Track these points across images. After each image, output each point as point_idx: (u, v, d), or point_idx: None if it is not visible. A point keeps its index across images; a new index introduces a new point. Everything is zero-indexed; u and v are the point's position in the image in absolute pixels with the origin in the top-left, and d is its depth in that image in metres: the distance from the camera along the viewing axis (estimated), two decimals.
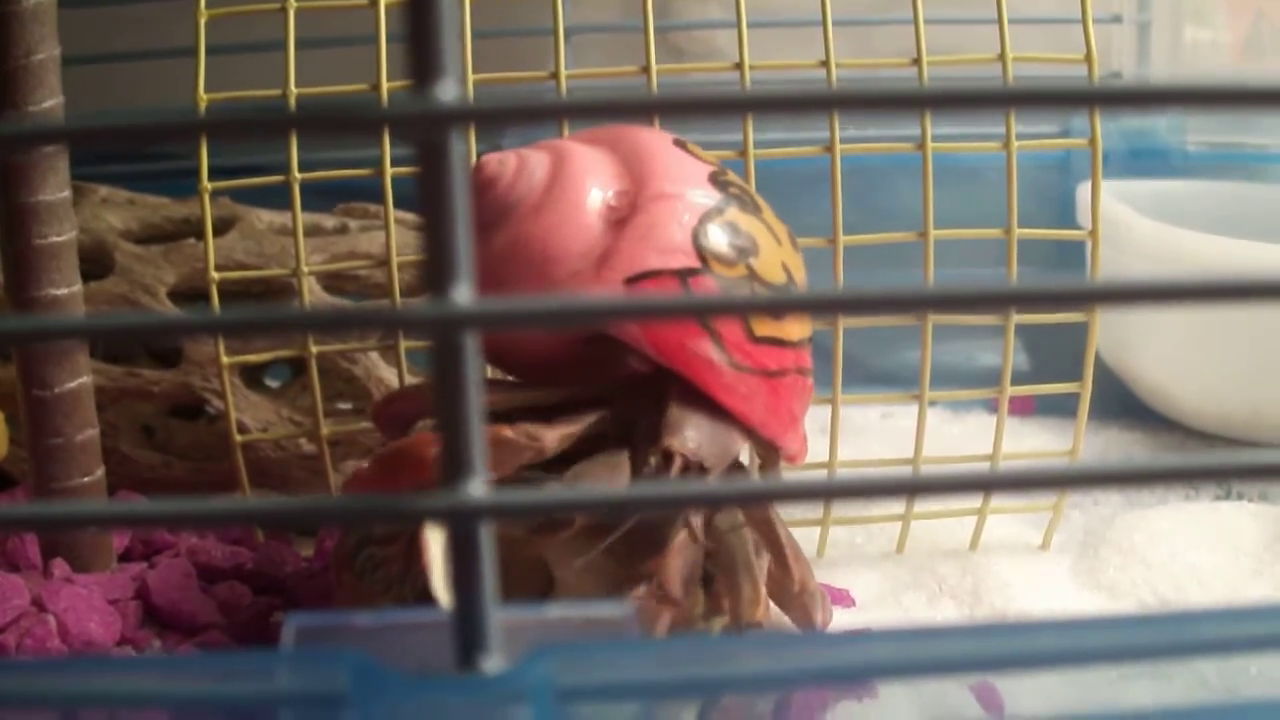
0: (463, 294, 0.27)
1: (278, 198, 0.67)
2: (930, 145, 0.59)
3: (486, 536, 0.29)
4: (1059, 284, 0.28)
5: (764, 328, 0.48)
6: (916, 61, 0.59)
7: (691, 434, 0.46)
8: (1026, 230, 0.61)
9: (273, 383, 0.71)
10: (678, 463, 0.45)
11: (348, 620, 0.30)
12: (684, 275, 0.47)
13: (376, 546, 0.46)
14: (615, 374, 0.49)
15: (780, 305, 0.30)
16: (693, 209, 0.48)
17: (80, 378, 0.55)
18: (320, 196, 0.67)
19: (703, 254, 0.48)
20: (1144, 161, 0.89)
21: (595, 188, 0.49)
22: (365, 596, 0.46)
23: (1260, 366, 0.76)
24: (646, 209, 0.48)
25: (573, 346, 0.49)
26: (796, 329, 0.50)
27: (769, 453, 0.52)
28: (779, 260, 0.50)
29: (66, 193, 0.54)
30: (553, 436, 0.45)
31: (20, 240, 0.53)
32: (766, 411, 0.49)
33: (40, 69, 0.53)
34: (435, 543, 0.39)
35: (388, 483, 0.45)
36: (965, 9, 0.80)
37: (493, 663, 0.29)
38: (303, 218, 0.60)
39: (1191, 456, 0.34)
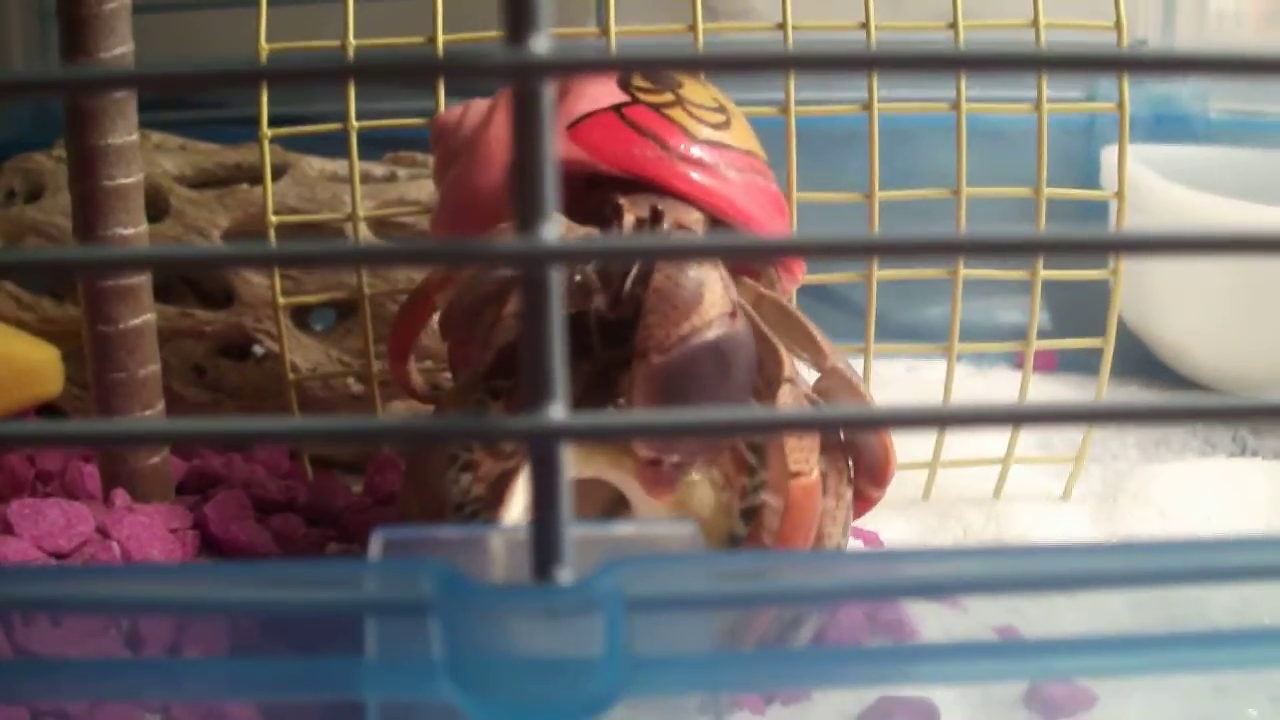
0: (551, 231, 0.29)
1: (326, 146, 0.69)
2: (965, 106, 0.61)
3: (565, 457, 0.31)
4: (1087, 235, 0.30)
5: (705, 132, 0.54)
6: (953, 25, 0.61)
7: (643, 204, 0.51)
8: (1055, 190, 0.63)
9: (318, 326, 0.73)
10: (628, 218, 0.50)
11: (432, 534, 0.33)
12: (618, 109, 0.54)
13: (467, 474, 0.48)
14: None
15: (823, 248, 0.33)
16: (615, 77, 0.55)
17: (144, 314, 0.57)
18: (369, 145, 0.69)
19: (630, 89, 0.54)
20: (1167, 127, 0.90)
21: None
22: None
23: (1275, 327, 0.78)
24: (573, 85, 0.55)
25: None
26: (738, 138, 0.55)
27: (766, 260, 0.55)
28: (709, 94, 0.56)
29: (134, 136, 0.56)
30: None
31: (90, 181, 0.55)
32: (726, 199, 0.53)
33: (112, 16, 0.55)
34: (519, 495, 0.42)
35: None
36: None
37: (567, 574, 0.31)
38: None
39: (1205, 398, 0.36)
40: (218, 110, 0.90)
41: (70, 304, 0.70)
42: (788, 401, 0.48)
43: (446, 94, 0.63)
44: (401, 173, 0.72)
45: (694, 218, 0.52)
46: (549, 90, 0.29)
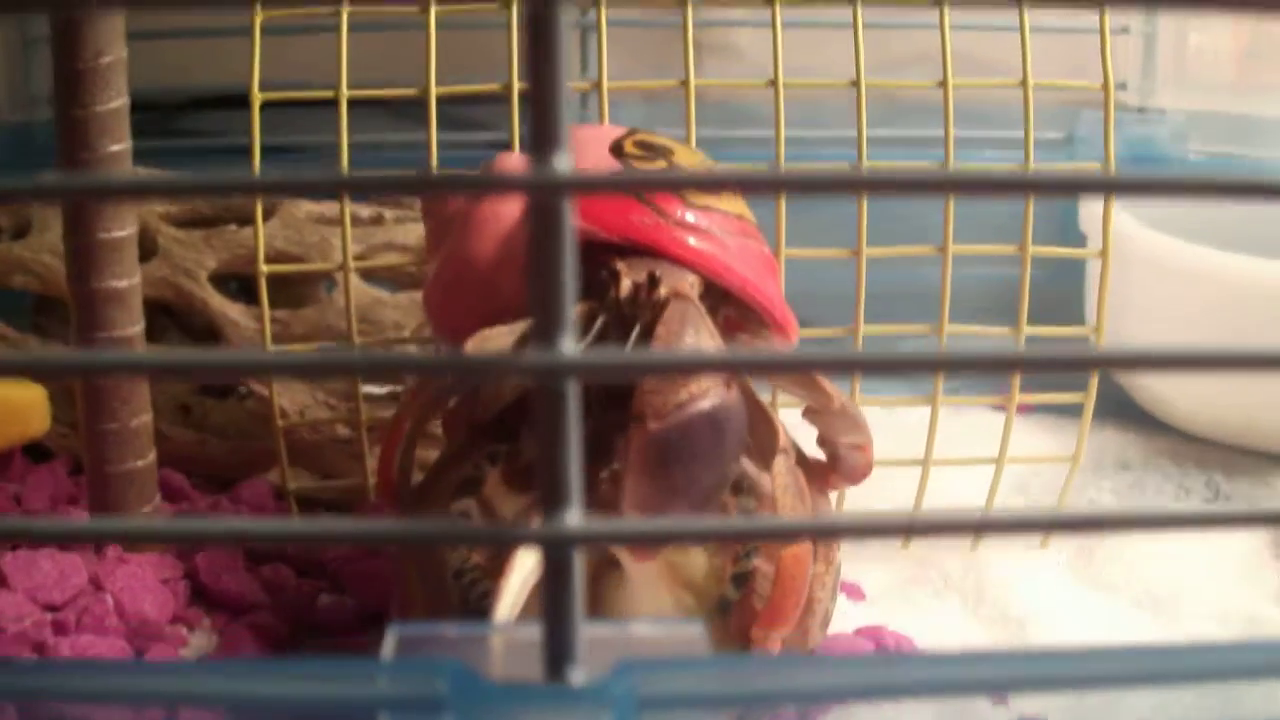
0: (569, 345, 0.30)
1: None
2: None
3: (579, 562, 0.31)
4: (1067, 354, 0.31)
5: (698, 198, 0.54)
6: (942, 84, 0.62)
7: (640, 269, 0.51)
8: (1040, 249, 0.64)
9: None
10: (625, 283, 0.50)
11: (444, 631, 0.33)
12: None
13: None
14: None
15: (823, 364, 0.33)
16: (608, 137, 0.55)
17: None
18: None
19: (623, 157, 0.55)
20: (1145, 168, 0.92)
21: (519, 159, 0.56)
22: (433, 587, 0.49)
23: (1256, 377, 0.79)
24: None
25: None
26: (730, 204, 0.55)
27: (760, 322, 0.56)
28: (699, 160, 0.57)
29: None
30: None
31: (84, 235, 0.56)
32: (721, 264, 0.54)
33: (108, 71, 0.55)
34: (519, 570, 0.42)
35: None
36: (980, 16, 0.83)
37: (579, 675, 0.32)
38: (338, 207, 0.63)
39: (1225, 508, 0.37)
40: (208, 139, 0.90)
41: (56, 343, 0.70)
42: (782, 473, 0.49)
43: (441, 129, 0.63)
44: (388, 214, 0.72)
45: (690, 281, 0.53)
46: (570, 207, 0.29)
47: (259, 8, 0.61)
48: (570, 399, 0.30)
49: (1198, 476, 0.79)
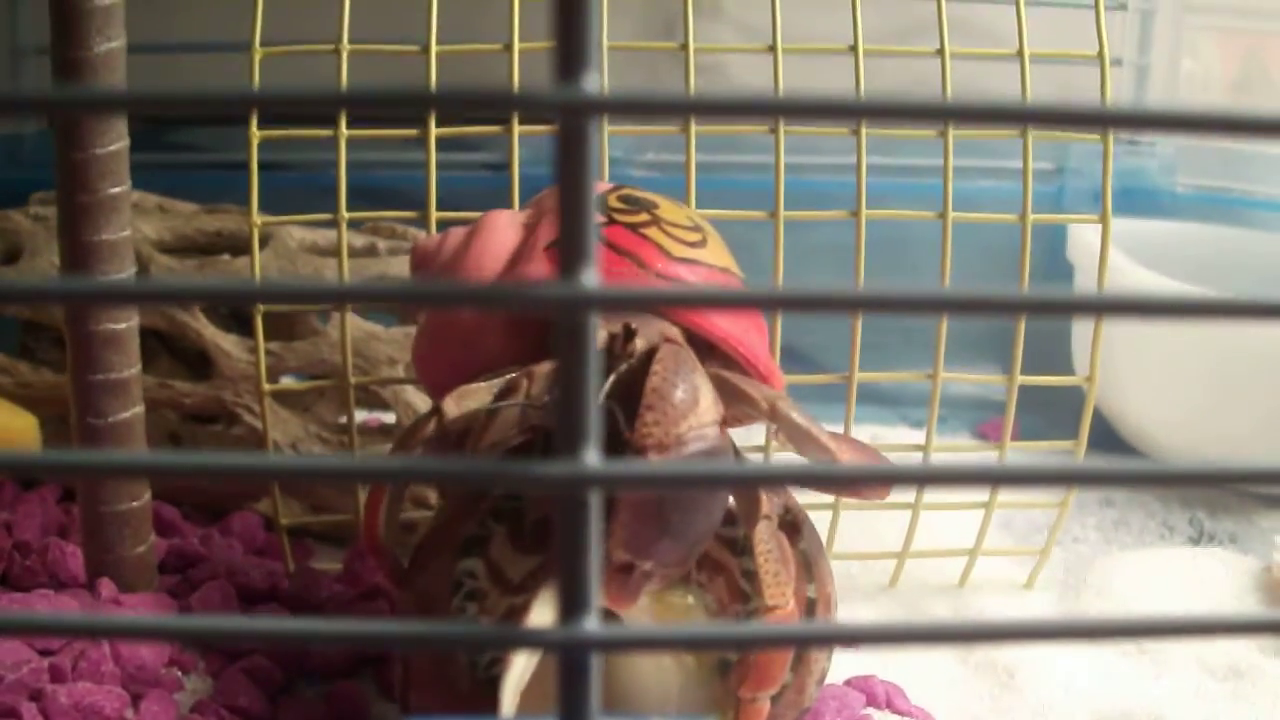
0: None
1: (306, 199, 0.69)
2: (950, 215, 0.62)
3: (596, 664, 0.31)
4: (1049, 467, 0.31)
5: (681, 250, 0.54)
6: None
7: (617, 320, 0.51)
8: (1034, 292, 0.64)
9: (287, 379, 0.73)
10: (601, 334, 0.50)
11: None
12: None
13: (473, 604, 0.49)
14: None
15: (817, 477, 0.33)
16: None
17: (134, 408, 0.57)
18: (351, 196, 0.69)
19: (606, 211, 0.55)
20: (1134, 200, 0.92)
21: (507, 216, 0.56)
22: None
23: (1238, 416, 0.80)
24: (549, 213, 0.55)
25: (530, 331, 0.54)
26: (714, 256, 0.56)
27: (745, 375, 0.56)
28: (684, 214, 0.57)
29: (126, 187, 0.56)
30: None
31: (78, 235, 0.55)
32: (704, 318, 0.54)
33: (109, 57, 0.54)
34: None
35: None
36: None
37: None
38: (332, 235, 0.63)
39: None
40: (194, 155, 0.90)
41: (46, 370, 0.70)
42: (764, 539, 0.49)
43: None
44: (381, 245, 0.72)
45: (673, 332, 0.53)
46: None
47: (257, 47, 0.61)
48: (592, 509, 0.30)
49: (1181, 514, 0.80)
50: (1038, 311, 0.30)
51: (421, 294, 0.32)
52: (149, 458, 0.51)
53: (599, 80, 0.28)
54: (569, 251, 0.29)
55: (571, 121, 0.29)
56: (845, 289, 0.31)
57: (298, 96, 0.28)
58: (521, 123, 0.63)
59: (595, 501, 0.30)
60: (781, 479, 0.31)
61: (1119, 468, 0.31)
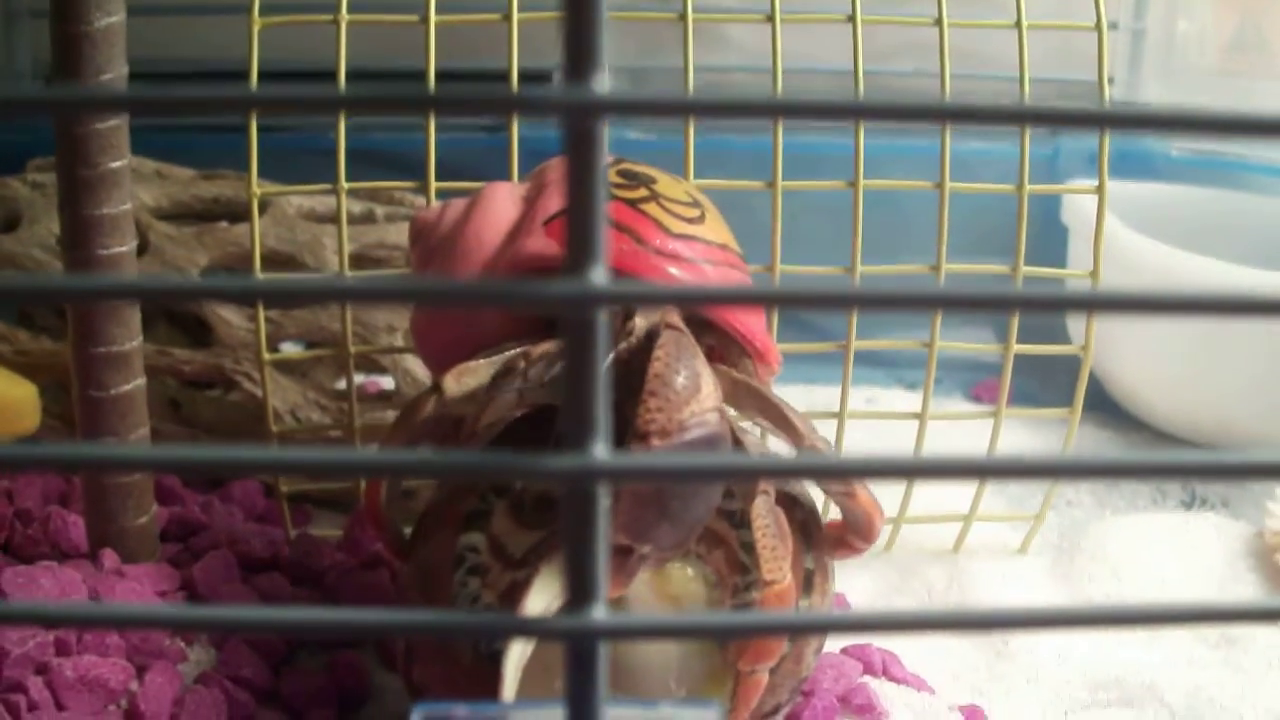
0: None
1: (307, 165, 0.69)
2: (948, 185, 0.63)
3: (603, 653, 0.32)
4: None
5: (679, 226, 0.54)
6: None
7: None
8: (1031, 269, 0.65)
9: (287, 346, 0.73)
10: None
11: (468, 713, 0.34)
12: None
13: (475, 578, 0.49)
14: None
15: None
16: None
17: (135, 380, 0.57)
18: (350, 161, 0.69)
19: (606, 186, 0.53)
20: (1128, 163, 0.92)
21: (507, 189, 0.56)
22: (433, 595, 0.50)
23: (1230, 379, 0.80)
24: (548, 186, 0.55)
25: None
26: (712, 232, 0.55)
27: (742, 351, 0.56)
28: (683, 189, 0.56)
29: (126, 160, 0.56)
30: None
31: (78, 209, 0.55)
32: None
33: (109, 32, 0.54)
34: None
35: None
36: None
37: None
38: (330, 202, 0.63)
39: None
40: (202, 116, 0.90)
41: (45, 337, 0.70)
42: (762, 514, 0.49)
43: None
44: (379, 211, 0.72)
45: (672, 312, 0.53)
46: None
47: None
48: (599, 502, 0.31)
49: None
50: (1033, 309, 0.30)
51: (426, 291, 0.33)
52: (149, 453, 0.51)
53: (607, 81, 0.29)
54: (577, 248, 0.30)
55: (581, 123, 0.29)
56: (844, 287, 0.31)
57: (298, 98, 0.29)
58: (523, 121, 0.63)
59: (602, 495, 0.31)
60: (785, 472, 0.32)
61: (1109, 460, 0.32)
